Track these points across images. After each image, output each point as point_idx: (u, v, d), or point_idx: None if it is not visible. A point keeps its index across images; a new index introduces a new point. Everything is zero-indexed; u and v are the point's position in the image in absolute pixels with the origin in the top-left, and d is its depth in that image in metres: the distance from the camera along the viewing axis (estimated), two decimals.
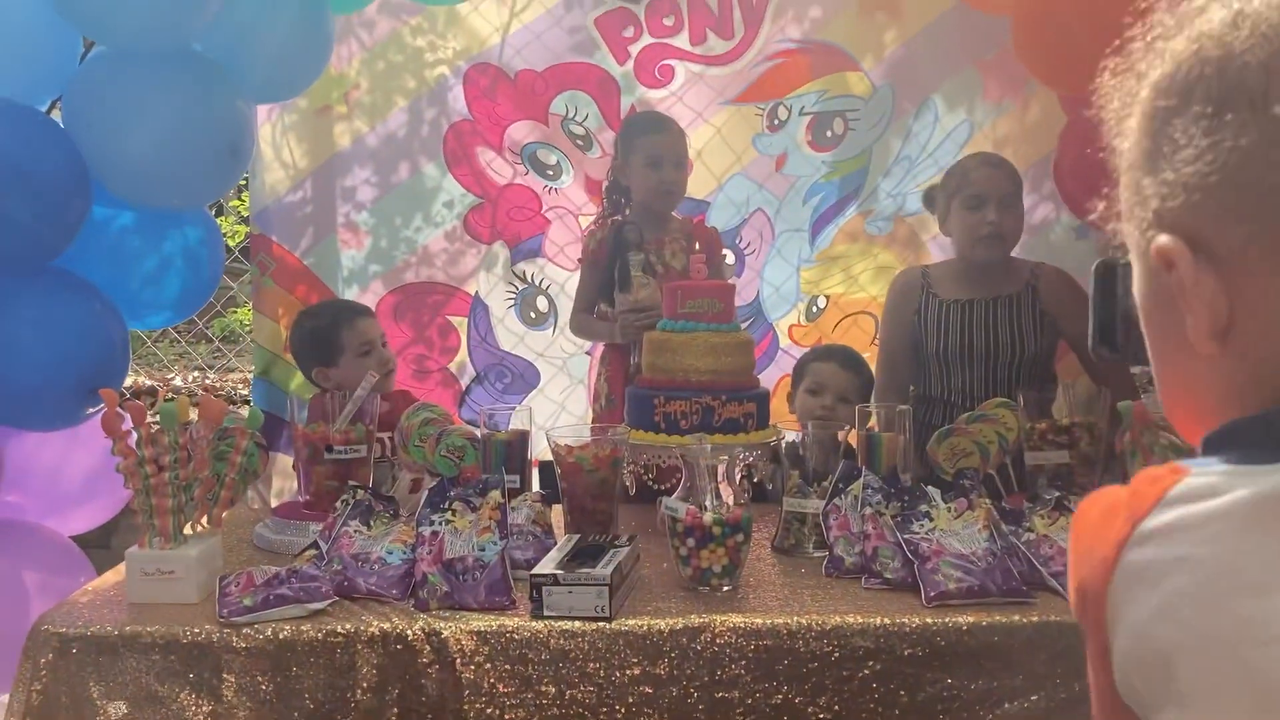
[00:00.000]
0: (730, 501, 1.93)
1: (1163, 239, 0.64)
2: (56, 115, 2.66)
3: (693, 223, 3.16)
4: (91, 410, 2.56)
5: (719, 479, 1.91)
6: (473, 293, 3.56)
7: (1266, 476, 0.57)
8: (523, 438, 2.24)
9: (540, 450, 2.42)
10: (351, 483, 2.12)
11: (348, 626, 1.69)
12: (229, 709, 1.66)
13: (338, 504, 2.06)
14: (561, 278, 3.52)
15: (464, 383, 3.59)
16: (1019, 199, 2.73)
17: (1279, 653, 0.52)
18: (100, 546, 3.20)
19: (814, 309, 3.62)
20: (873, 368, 2.87)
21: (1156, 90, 0.66)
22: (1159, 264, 0.65)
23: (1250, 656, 0.53)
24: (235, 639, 1.68)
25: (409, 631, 1.68)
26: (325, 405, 2.26)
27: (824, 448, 2.14)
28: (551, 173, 3.51)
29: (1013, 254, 2.84)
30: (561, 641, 1.68)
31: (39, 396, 2.49)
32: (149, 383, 4.71)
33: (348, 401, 2.22)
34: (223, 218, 6.03)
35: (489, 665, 1.67)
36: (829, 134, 3.49)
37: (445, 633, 1.68)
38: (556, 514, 2.21)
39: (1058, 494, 2.04)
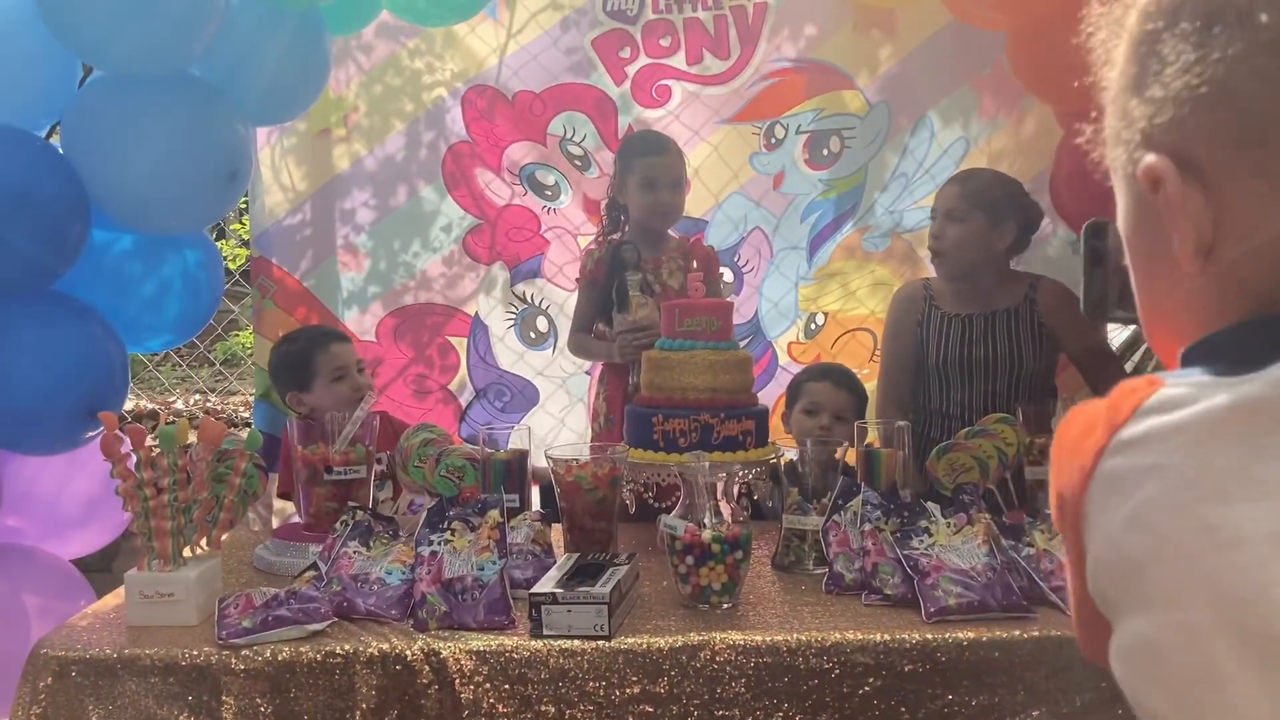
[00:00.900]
0: (729, 519, 1.93)
1: (1150, 158, 0.66)
2: (55, 140, 2.67)
3: (689, 242, 3.17)
4: (91, 433, 2.56)
5: (718, 497, 1.91)
6: (472, 313, 3.57)
7: (1238, 386, 0.58)
8: (522, 457, 2.24)
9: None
10: (351, 503, 2.12)
11: (347, 647, 1.69)
12: None
13: (337, 525, 2.06)
14: (561, 298, 3.53)
15: (463, 401, 3.59)
16: (975, 213, 2.72)
17: (1238, 559, 0.53)
18: (101, 570, 3.20)
19: (812, 326, 3.63)
20: (869, 383, 2.88)
21: (1144, 15, 0.67)
22: (1145, 184, 0.66)
23: (1211, 563, 0.54)
24: (234, 661, 1.67)
25: (408, 652, 1.68)
26: (310, 429, 2.25)
27: (822, 465, 2.14)
28: (550, 193, 3.52)
29: (1013, 267, 2.85)
30: (561, 660, 1.67)
31: (38, 420, 2.49)
32: (150, 406, 4.72)
33: (346, 423, 2.22)
34: (223, 241, 6.06)
35: (488, 685, 1.67)
36: (825, 152, 3.50)
37: (444, 653, 1.68)
38: (556, 533, 2.21)
39: None
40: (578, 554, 1.95)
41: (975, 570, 1.84)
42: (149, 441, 1.90)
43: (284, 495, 2.94)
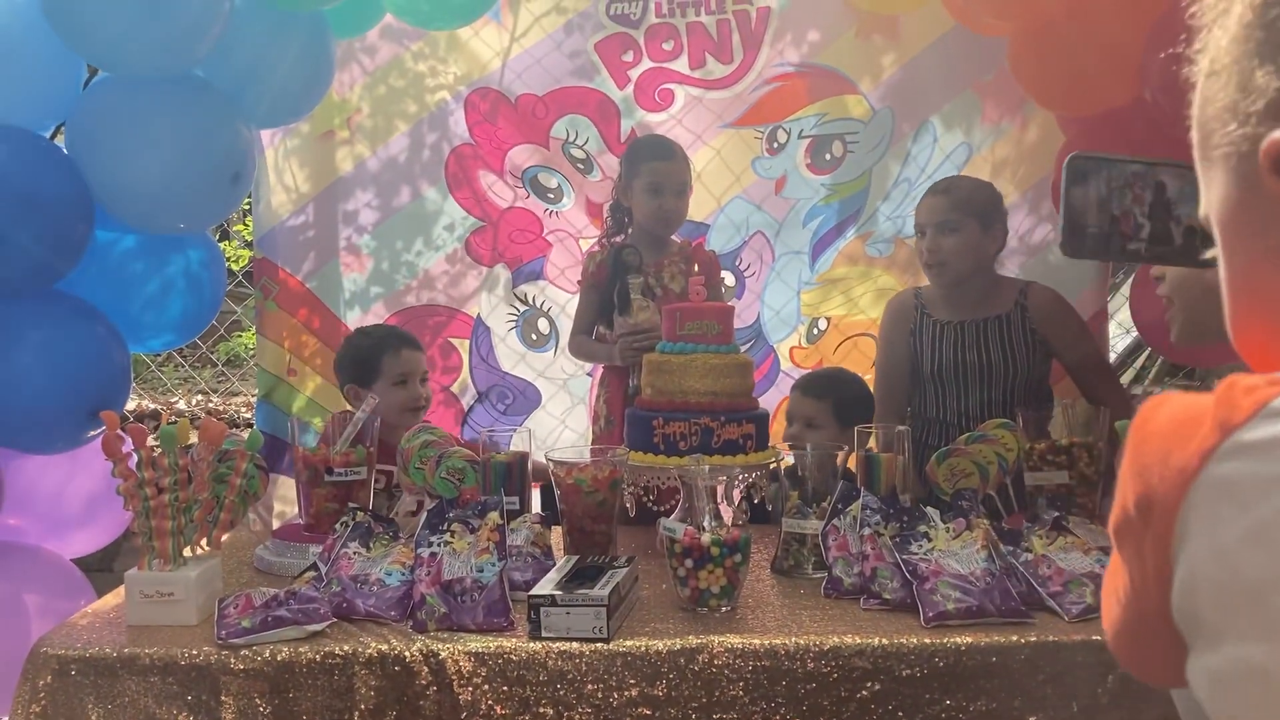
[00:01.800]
0: (729, 523, 1.94)
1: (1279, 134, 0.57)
2: (60, 141, 2.68)
3: (691, 246, 3.17)
4: (93, 433, 2.57)
5: (718, 500, 1.91)
6: (474, 315, 3.57)
7: None
8: (522, 459, 2.24)
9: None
10: (351, 505, 2.13)
11: (346, 648, 1.69)
12: None
13: (337, 526, 2.06)
14: (563, 300, 3.54)
15: (465, 403, 3.60)
16: (967, 221, 2.71)
17: None
18: (102, 570, 3.21)
19: (814, 331, 3.63)
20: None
21: None
22: (1267, 165, 0.58)
23: None
24: (234, 661, 1.68)
25: (407, 653, 1.68)
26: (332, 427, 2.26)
27: (822, 469, 2.15)
28: (552, 196, 3.53)
29: (1009, 271, 2.85)
30: (559, 663, 1.68)
31: (41, 419, 2.50)
32: (153, 406, 4.72)
33: (348, 424, 2.23)
34: (227, 242, 6.07)
35: (487, 686, 1.67)
36: (828, 157, 3.50)
37: (443, 654, 1.68)
38: (556, 535, 2.21)
39: (1056, 514, 2.04)
40: (577, 556, 1.96)
41: (974, 575, 1.84)
42: (150, 441, 1.91)
43: None
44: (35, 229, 2.37)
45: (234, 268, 4.77)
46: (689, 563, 1.82)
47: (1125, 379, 3.51)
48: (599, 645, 1.68)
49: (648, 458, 2.18)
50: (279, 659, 1.68)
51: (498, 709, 1.67)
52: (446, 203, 3.52)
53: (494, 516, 1.97)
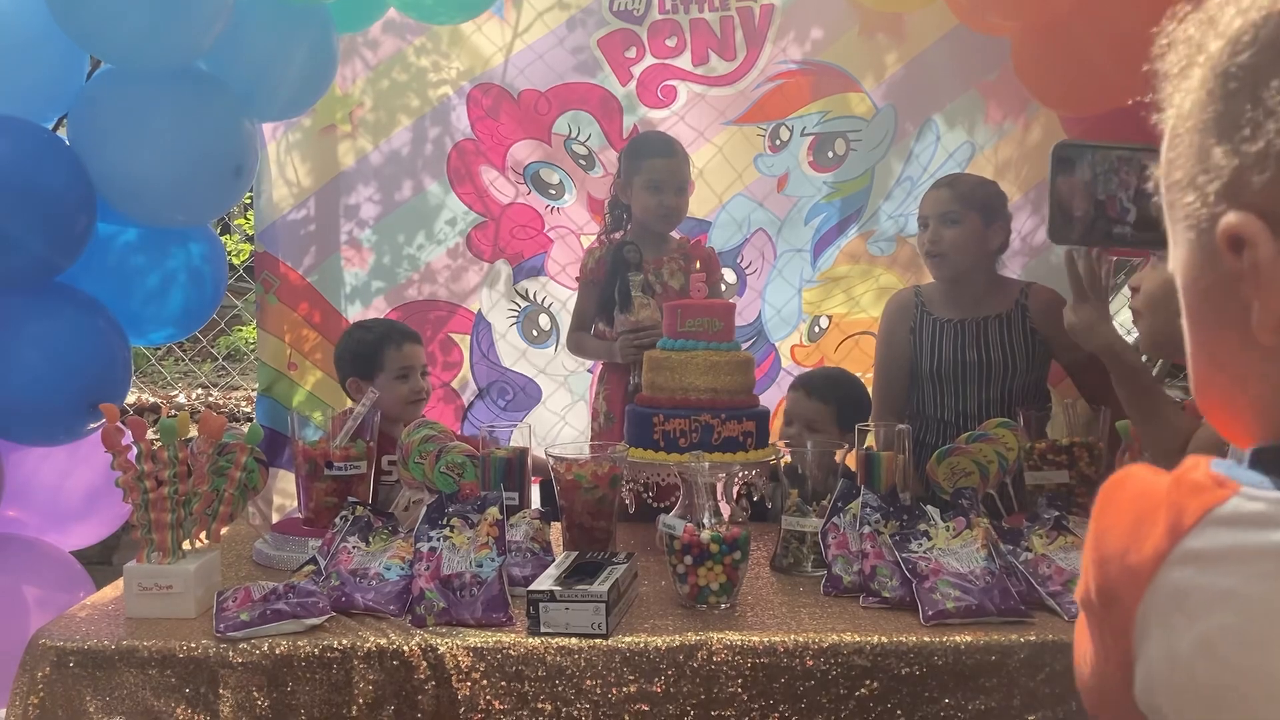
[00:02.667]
0: (728, 519, 1.93)
1: (1235, 217, 0.57)
2: (62, 133, 2.68)
3: (691, 243, 3.17)
4: (92, 425, 2.57)
5: (717, 497, 1.91)
6: (475, 310, 3.57)
7: None
8: (522, 455, 2.24)
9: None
10: (351, 499, 2.12)
11: (344, 642, 1.69)
12: None
13: (336, 520, 2.06)
14: (564, 296, 3.53)
15: (465, 399, 3.59)
16: (970, 214, 2.71)
17: None
18: (102, 563, 3.20)
19: (816, 329, 3.62)
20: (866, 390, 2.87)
21: (1234, 44, 0.58)
22: (1224, 244, 0.58)
23: None
24: (232, 654, 1.68)
25: (406, 647, 1.68)
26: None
27: (823, 467, 2.14)
28: (554, 192, 3.52)
29: (1010, 272, 2.85)
30: (558, 658, 1.67)
31: (40, 411, 2.50)
32: (152, 400, 4.72)
33: (348, 419, 2.23)
34: (228, 236, 6.07)
35: (485, 682, 1.67)
36: (830, 154, 3.50)
37: (442, 649, 1.68)
38: (555, 531, 2.21)
39: (1057, 514, 2.04)
40: (576, 552, 1.95)
41: (974, 574, 1.84)
42: (150, 434, 1.90)
43: None
44: (36, 221, 2.37)
45: (235, 262, 4.77)
46: (688, 559, 1.82)
47: None
48: (598, 641, 1.68)
49: (648, 454, 2.18)
50: (277, 652, 1.68)
51: (496, 704, 1.66)
52: (449, 197, 3.51)
53: (493, 512, 1.97)
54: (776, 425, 2.98)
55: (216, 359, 5.25)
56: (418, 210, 3.52)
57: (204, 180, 2.64)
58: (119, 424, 1.90)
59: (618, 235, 3.04)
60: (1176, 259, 0.64)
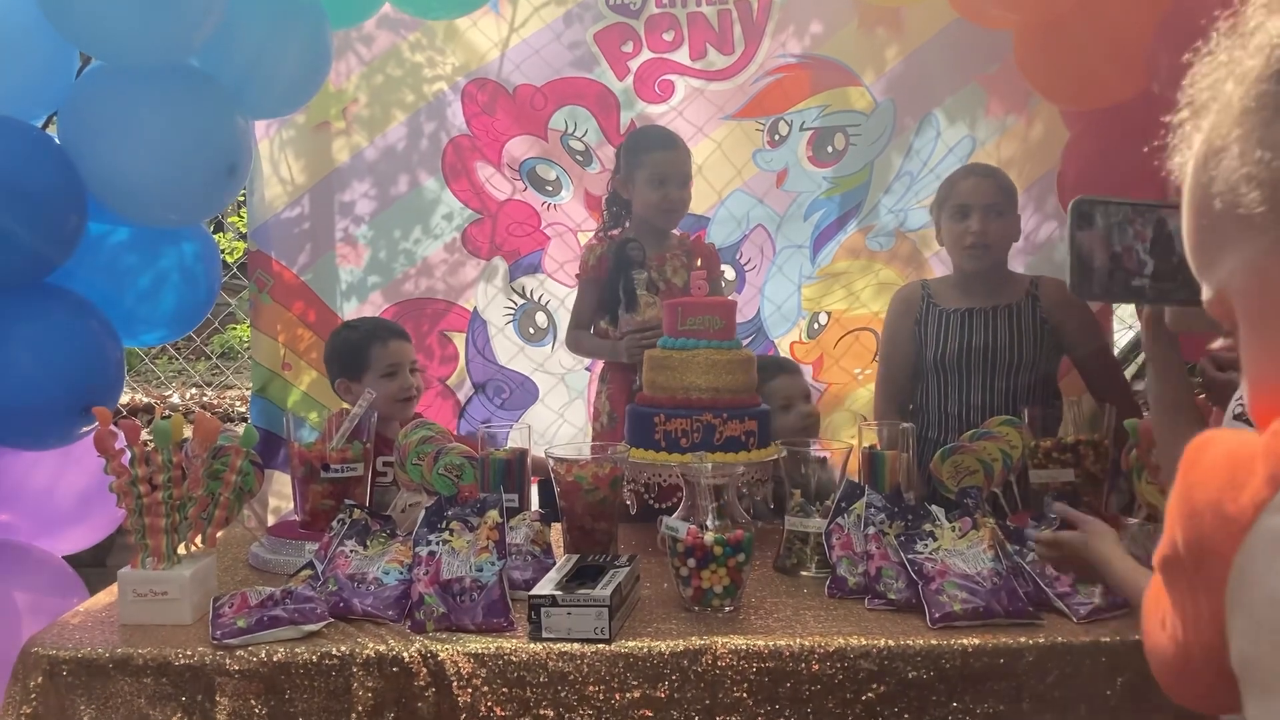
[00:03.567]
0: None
1: None
2: (52, 131, 2.64)
3: (691, 239, 3.14)
4: (85, 429, 2.53)
5: (720, 498, 1.88)
6: (471, 307, 3.54)
7: None
8: (521, 456, 2.21)
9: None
10: (348, 501, 2.09)
11: (343, 648, 1.66)
12: None
13: (333, 523, 2.03)
14: (561, 293, 3.51)
15: (461, 396, 3.57)
16: (1010, 207, 2.72)
17: None
18: (95, 566, 3.17)
19: (815, 326, 3.60)
20: (870, 384, 2.85)
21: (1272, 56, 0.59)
22: None
23: None
24: (229, 661, 1.65)
25: (405, 654, 1.66)
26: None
27: (821, 466, 2.12)
28: (551, 188, 3.49)
29: (1014, 269, 2.83)
30: (560, 664, 1.65)
31: (32, 414, 2.46)
32: (146, 400, 4.68)
33: (344, 420, 2.20)
34: (221, 234, 6.03)
35: (486, 688, 1.64)
36: (830, 149, 3.47)
37: (442, 655, 1.65)
38: (555, 533, 2.18)
39: None
40: (578, 555, 1.93)
41: (981, 575, 1.82)
42: (144, 437, 1.87)
43: None
44: (26, 221, 2.33)
45: (228, 260, 4.73)
46: (691, 562, 1.79)
47: (1127, 374, 3.49)
48: (601, 646, 1.66)
49: (649, 455, 2.16)
50: (275, 659, 1.65)
51: (497, 711, 1.64)
52: (444, 193, 3.48)
53: (493, 515, 1.94)
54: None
55: (210, 358, 5.21)
56: (414, 205, 3.49)
57: (196, 178, 2.60)
58: (112, 427, 1.87)
59: (616, 233, 3.01)
60: (1231, 267, 0.64)
